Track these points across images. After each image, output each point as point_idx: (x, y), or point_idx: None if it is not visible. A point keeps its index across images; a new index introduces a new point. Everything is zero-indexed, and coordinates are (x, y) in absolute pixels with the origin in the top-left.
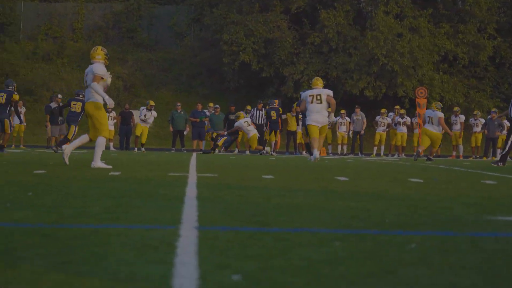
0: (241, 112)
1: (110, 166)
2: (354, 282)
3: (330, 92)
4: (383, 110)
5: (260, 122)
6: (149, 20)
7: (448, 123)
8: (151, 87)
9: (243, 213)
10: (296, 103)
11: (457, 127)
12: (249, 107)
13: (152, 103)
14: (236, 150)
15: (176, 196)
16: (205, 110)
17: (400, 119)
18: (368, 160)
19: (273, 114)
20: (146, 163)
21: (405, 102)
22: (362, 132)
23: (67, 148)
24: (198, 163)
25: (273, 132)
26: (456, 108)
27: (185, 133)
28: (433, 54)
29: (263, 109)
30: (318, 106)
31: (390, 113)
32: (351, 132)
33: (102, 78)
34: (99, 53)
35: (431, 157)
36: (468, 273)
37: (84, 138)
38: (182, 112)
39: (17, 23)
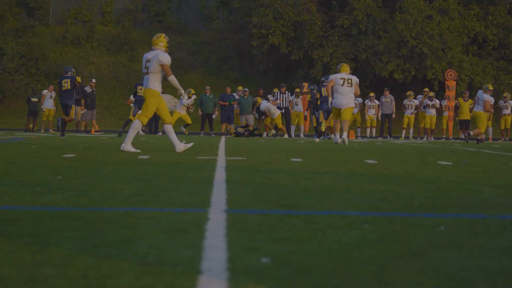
0: (258, 97)
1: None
2: (383, 265)
3: (357, 80)
4: (408, 93)
5: (284, 105)
6: (178, 3)
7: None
8: (181, 70)
9: (272, 196)
10: (298, 89)
11: (507, 111)
12: (276, 90)
13: (193, 91)
14: (265, 134)
15: (205, 179)
16: (234, 94)
17: (429, 102)
18: (396, 143)
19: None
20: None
21: (434, 84)
22: (394, 115)
23: (126, 146)
24: (226, 146)
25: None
26: (505, 94)
27: (214, 116)
28: (462, 36)
29: (287, 92)
30: (348, 89)
31: (419, 96)
32: (379, 115)
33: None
34: (162, 41)
35: (479, 137)
36: (498, 256)
37: (136, 125)
38: (211, 96)
39: (47, 7)
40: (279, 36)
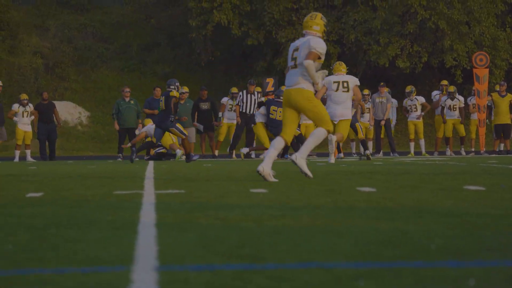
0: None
1: (310, 176)
2: None
3: (357, 81)
4: (408, 88)
5: (250, 112)
6: None
7: None
8: (85, 65)
9: (225, 244)
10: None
11: None
12: (234, 90)
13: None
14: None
15: (126, 224)
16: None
17: (449, 101)
18: (403, 161)
19: None
20: (82, 177)
21: (456, 75)
22: (394, 121)
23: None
24: (156, 174)
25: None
26: None
27: (136, 132)
28: (496, 1)
29: (257, 93)
30: (344, 96)
31: (435, 92)
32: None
33: (319, 58)
34: (318, 23)
35: None
36: None
37: (279, 143)
38: (132, 102)
39: None
40: (228, 11)
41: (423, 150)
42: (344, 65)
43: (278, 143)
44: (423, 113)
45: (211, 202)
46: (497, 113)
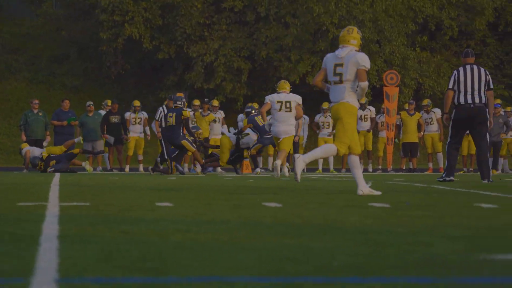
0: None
1: (378, 192)
2: None
3: (300, 99)
4: (325, 105)
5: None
6: None
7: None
8: None
9: (128, 257)
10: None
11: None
12: (137, 103)
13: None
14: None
15: (28, 236)
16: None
17: (360, 111)
18: (310, 177)
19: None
20: None
21: (366, 92)
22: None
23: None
24: (62, 187)
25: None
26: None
27: (44, 143)
28: (407, 21)
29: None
30: (286, 115)
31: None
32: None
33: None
34: (355, 37)
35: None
36: None
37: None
38: (40, 113)
39: None
40: (140, 25)
41: (331, 167)
42: (288, 83)
43: (354, 161)
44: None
45: (115, 215)
46: (406, 132)
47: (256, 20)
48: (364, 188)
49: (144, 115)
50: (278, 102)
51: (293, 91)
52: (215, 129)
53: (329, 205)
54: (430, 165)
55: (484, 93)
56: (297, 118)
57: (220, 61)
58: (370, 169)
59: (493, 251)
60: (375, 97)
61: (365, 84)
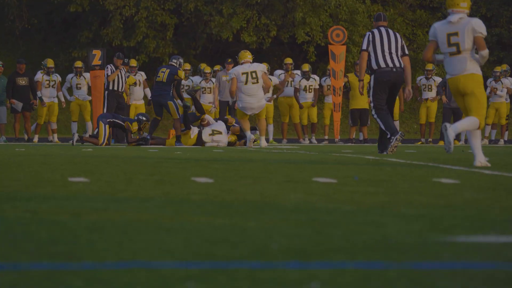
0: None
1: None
2: None
3: (265, 68)
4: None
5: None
6: None
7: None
8: None
9: (35, 241)
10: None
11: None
12: (51, 63)
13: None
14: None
15: None
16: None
17: (305, 81)
18: (246, 149)
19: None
20: None
21: (309, 52)
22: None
23: None
24: None
25: None
26: (429, 66)
27: None
28: None
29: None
30: (255, 88)
31: (279, 71)
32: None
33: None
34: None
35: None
36: None
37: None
38: None
39: None
40: None
41: (271, 137)
42: (248, 52)
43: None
44: (275, 96)
45: (20, 192)
46: (354, 97)
47: None
48: (482, 160)
49: (58, 77)
50: (243, 73)
51: (225, 49)
52: (136, 93)
53: (266, 180)
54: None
55: (400, 58)
56: (265, 88)
57: (141, 15)
58: (314, 141)
59: (453, 233)
60: (320, 57)
61: (486, 52)
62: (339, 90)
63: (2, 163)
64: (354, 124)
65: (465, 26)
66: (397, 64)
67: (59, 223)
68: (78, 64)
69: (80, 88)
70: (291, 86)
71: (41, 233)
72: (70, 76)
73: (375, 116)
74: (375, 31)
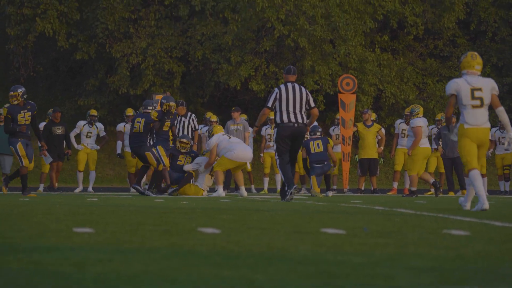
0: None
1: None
2: None
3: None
4: (438, 117)
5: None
6: None
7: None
8: None
9: None
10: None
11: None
12: (93, 112)
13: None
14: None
15: None
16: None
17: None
18: (254, 198)
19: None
20: None
21: (317, 100)
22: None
23: None
24: None
25: None
26: (439, 115)
27: None
28: (364, 18)
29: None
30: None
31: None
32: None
33: None
34: (480, 62)
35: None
36: None
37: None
38: None
39: None
40: (54, 19)
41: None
42: (221, 127)
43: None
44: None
45: (24, 243)
46: (363, 146)
47: (190, 15)
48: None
49: (101, 126)
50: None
51: (233, 97)
52: None
53: (274, 230)
54: (395, 185)
55: (304, 113)
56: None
57: (148, 62)
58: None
59: (464, 285)
60: (329, 105)
61: (502, 109)
62: (348, 140)
63: (6, 214)
64: (363, 174)
65: (486, 84)
66: (300, 120)
67: (64, 274)
68: (93, 112)
69: (90, 137)
70: None
71: (45, 285)
72: (82, 123)
73: (277, 162)
74: (282, 88)
